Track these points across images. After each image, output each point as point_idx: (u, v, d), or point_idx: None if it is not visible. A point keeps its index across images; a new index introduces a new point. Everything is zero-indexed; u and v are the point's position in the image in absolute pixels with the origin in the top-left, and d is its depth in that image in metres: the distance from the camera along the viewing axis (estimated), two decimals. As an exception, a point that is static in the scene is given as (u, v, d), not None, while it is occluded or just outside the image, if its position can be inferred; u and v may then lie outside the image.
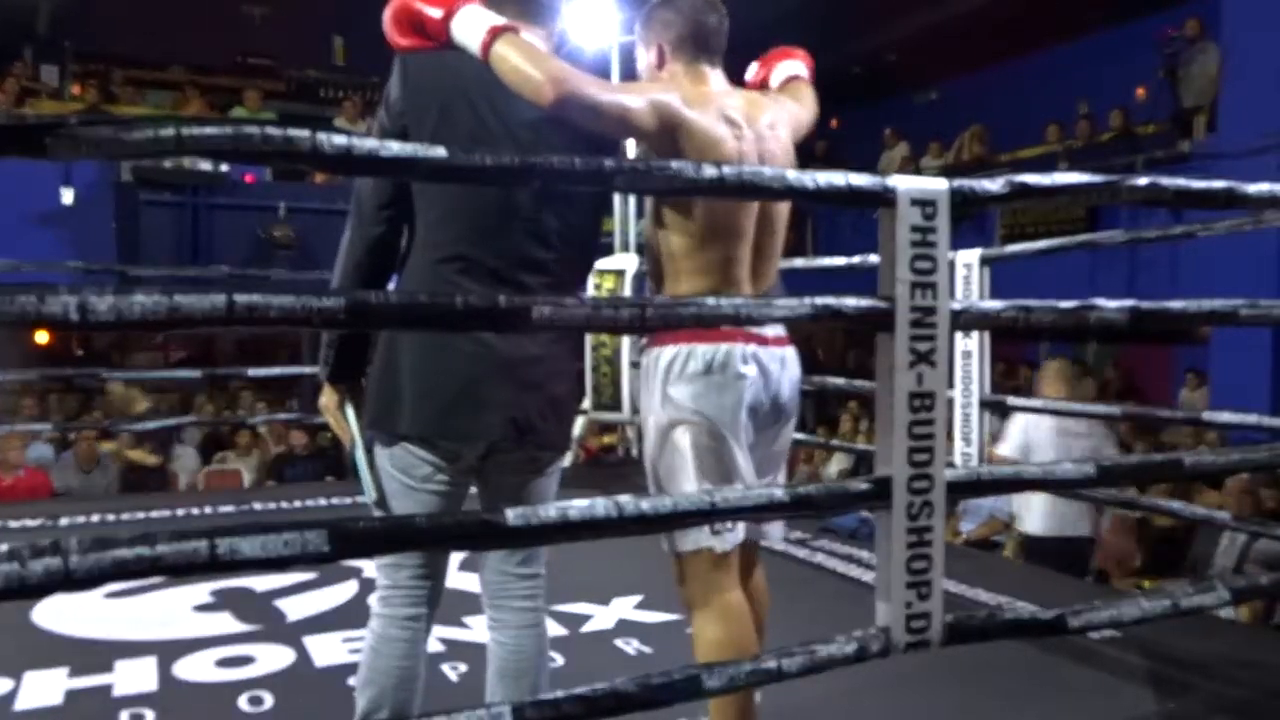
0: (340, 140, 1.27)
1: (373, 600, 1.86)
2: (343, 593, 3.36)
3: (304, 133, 1.25)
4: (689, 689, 1.54)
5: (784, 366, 1.98)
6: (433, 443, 1.74)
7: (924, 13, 9.90)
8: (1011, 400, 4.17)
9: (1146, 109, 9.41)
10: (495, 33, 1.64)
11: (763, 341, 1.92)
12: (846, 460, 6.96)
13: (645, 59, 2.03)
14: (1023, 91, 10.39)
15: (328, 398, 1.88)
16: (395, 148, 1.33)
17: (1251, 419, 3.41)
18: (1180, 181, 2.04)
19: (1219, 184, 2.04)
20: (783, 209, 2.01)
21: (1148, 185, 1.95)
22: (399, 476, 1.78)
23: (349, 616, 3.13)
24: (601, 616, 3.18)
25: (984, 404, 4.06)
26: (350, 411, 1.86)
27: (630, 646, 2.94)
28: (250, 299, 1.24)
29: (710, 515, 1.59)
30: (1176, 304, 2.06)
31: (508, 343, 1.71)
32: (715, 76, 1.99)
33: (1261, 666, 2.81)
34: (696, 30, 1.98)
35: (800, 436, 6.02)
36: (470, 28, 1.65)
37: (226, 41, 11.45)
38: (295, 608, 3.21)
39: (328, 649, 2.85)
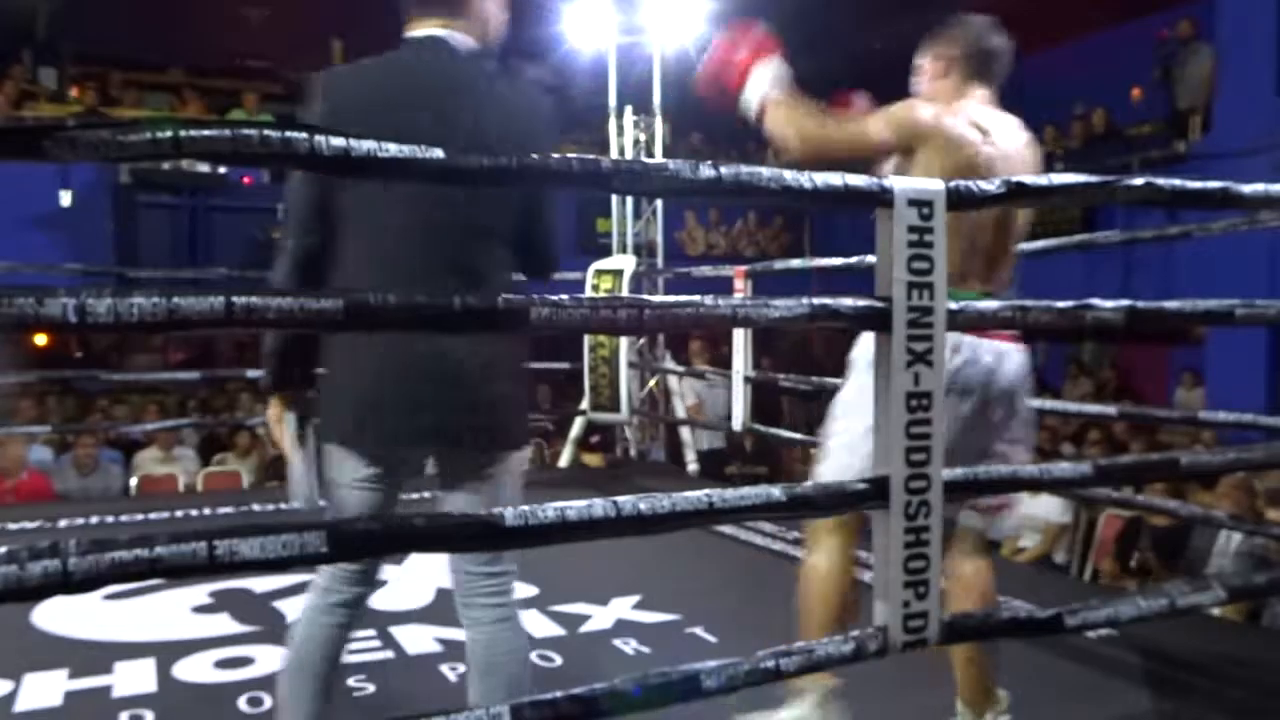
0: (338, 142, 1.27)
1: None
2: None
3: (302, 134, 1.25)
4: (687, 689, 1.54)
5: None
6: (362, 446, 1.76)
7: (922, 14, 9.92)
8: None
9: (1142, 110, 9.43)
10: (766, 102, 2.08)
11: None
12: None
13: (924, 68, 2.25)
14: (1019, 92, 10.37)
15: (272, 407, 1.91)
16: (393, 149, 1.33)
17: (1247, 418, 3.42)
18: (1176, 182, 2.04)
19: (1215, 184, 2.04)
20: (1018, 222, 2.16)
21: (1144, 185, 1.95)
22: (335, 477, 1.80)
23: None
24: (600, 617, 3.18)
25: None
26: (291, 420, 1.88)
27: (629, 646, 2.94)
28: (249, 300, 1.25)
29: (708, 515, 1.59)
30: (1172, 304, 2.06)
31: (435, 344, 1.70)
32: (982, 96, 2.17)
33: (1257, 665, 2.82)
34: (977, 54, 2.19)
35: (797, 436, 6.04)
36: (754, 90, 2.11)
37: (225, 44, 11.45)
38: (294, 609, 3.19)
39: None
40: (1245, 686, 2.66)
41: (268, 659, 2.80)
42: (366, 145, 1.30)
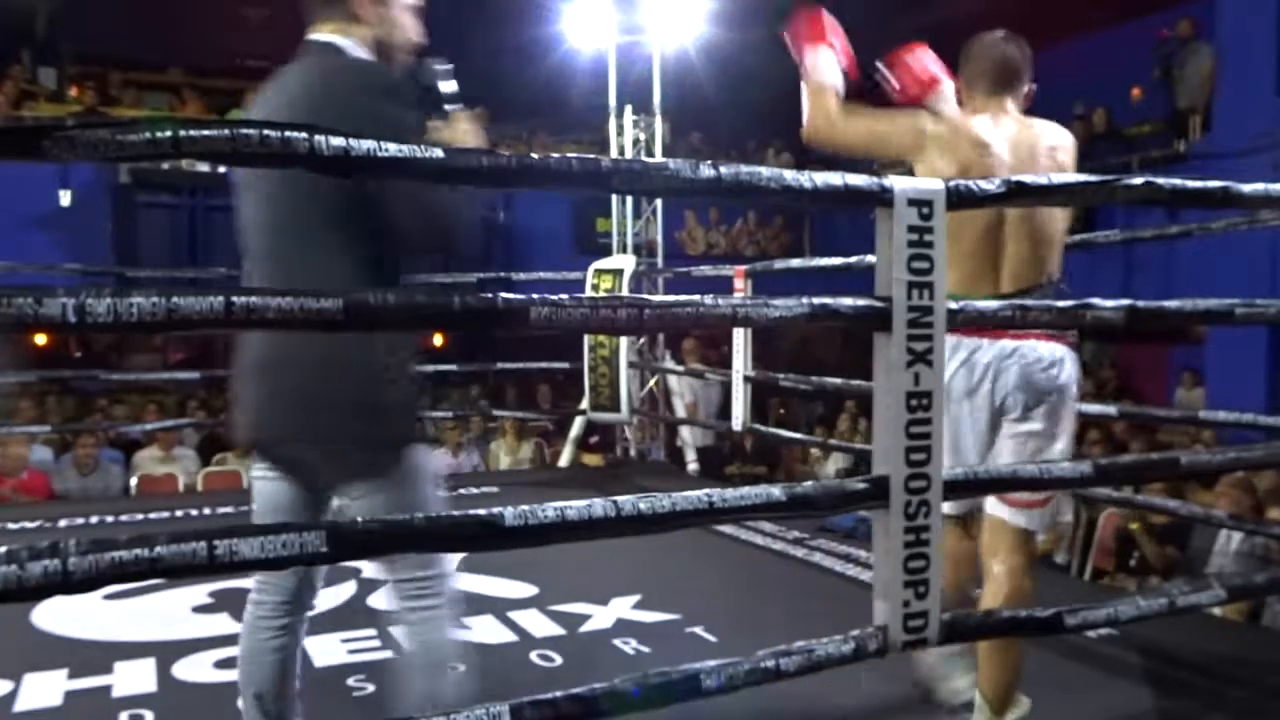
0: (338, 141, 1.27)
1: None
2: (341, 593, 3.37)
3: (301, 134, 1.25)
4: (687, 689, 1.54)
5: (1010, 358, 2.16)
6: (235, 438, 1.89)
7: (921, 14, 9.91)
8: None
9: (1142, 109, 9.42)
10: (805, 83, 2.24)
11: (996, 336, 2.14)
12: (845, 460, 6.96)
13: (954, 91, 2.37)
14: (1021, 91, 10.40)
15: None
16: (392, 149, 1.33)
17: (1247, 418, 3.43)
18: (1176, 181, 2.04)
19: (1214, 184, 2.05)
20: (1045, 223, 2.19)
21: (1144, 185, 1.96)
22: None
23: (348, 617, 3.13)
24: (600, 616, 3.18)
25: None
26: None
27: (629, 646, 2.94)
28: (249, 300, 1.25)
29: (708, 515, 1.59)
30: (1172, 303, 2.06)
31: (250, 345, 1.75)
32: (1003, 106, 2.27)
33: (1257, 665, 2.82)
34: (990, 69, 2.29)
35: (797, 436, 6.04)
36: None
37: (225, 44, 11.43)
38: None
39: (327, 649, 2.85)
40: (1245, 686, 2.66)
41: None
42: (366, 145, 1.30)
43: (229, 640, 2.93)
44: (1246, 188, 2.05)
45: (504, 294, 1.42)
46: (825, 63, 2.26)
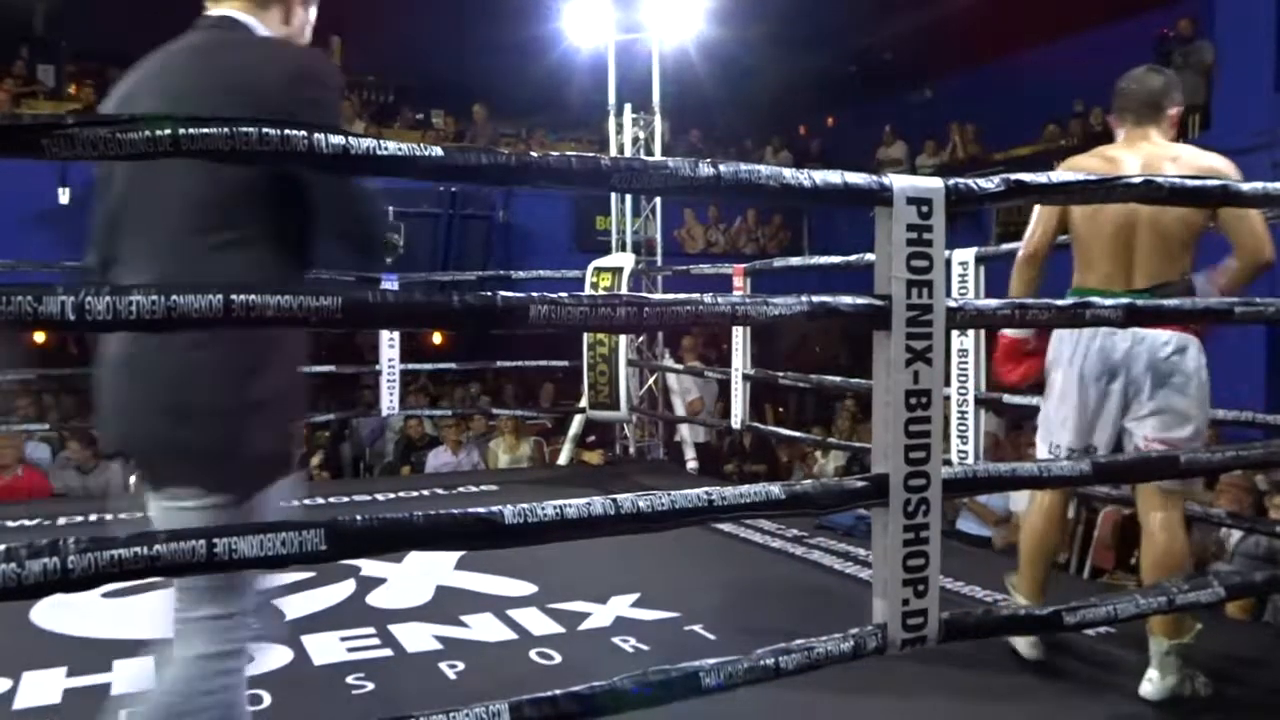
0: (337, 139, 1.27)
1: (188, 633, 1.59)
2: (340, 591, 3.37)
3: (300, 131, 1.25)
4: (687, 687, 1.54)
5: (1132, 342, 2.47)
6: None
7: (920, 11, 9.91)
8: (1008, 398, 4.17)
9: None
10: None
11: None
12: (844, 458, 6.97)
13: None
14: (1020, 89, 10.39)
15: None
16: (392, 147, 1.33)
17: (1246, 416, 3.42)
18: (1175, 179, 2.04)
19: (1213, 182, 2.05)
20: (1173, 225, 2.45)
21: (1143, 183, 1.96)
22: None
23: (346, 615, 3.13)
24: (599, 614, 3.18)
25: (980, 402, 4.07)
26: None
27: (628, 644, 2.94)
28: (248, 298, 1.25)
29: (707, 513, 1.59)
30: (1171, 301, 2.06)
31: (107, 347, 1.53)
32: (1139, 134, 2.60)
33: (1257, 663, 2.82)
34: (1124, 104, 2.64)
35: (797, 434, 6.04)
36: None
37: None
38: (293, 607, 3.21)
39: (325, 648, 2.85)
40: (1247, 684, 2.66)
41: (266, 657, 2.80)
42: (365, 144, 1.30)
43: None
44: (1245, 186, 2.06)
45: (503, 292, 1.42)
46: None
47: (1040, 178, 1.86)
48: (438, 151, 1.36)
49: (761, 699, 2.00)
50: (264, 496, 1.52)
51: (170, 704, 1.54)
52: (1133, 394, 2.48)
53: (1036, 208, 2.66)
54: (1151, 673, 2.46)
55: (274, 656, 2.81)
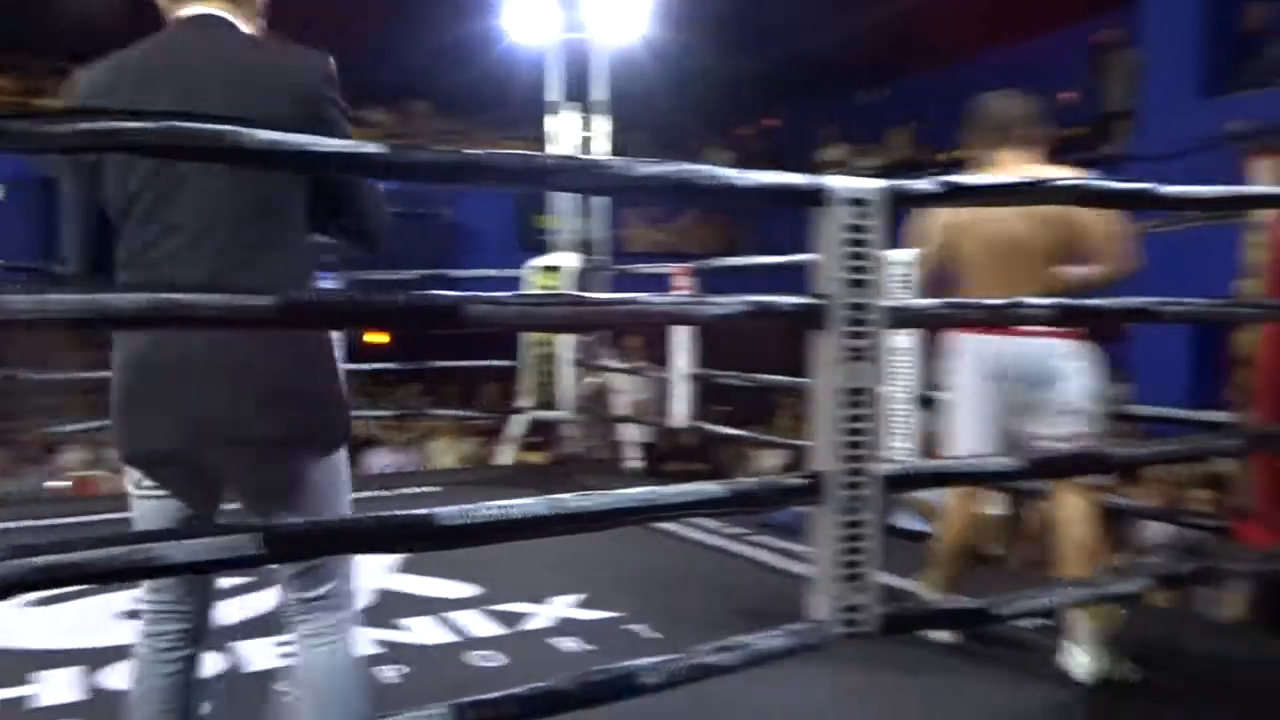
0: (265, 136, 1.24)
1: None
2: (275, 596, 3.30)
3: (228, 128, 1.22)
4: (627, 686, 1.54)
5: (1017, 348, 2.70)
6: (126, 453, 1.65)
7: (864, 15, 10.03)
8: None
9: (1074, 113, 9.66)
10: None
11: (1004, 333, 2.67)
12: (785, 456, 7.03)
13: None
14: (960, 94, 10.58)
15: None
16: (327, 143, 1.31)
17: (1171, 413, 3.53)
18: (1103, 183, 2.10)
19: (1138, 185, 2.10)
20: (1037, 241, 2.71)
21: (1073, 186, 2.01)
22: (128, 484, 1.70)
23: (279, 622, 3.07)
24: (541, 615, 3.17)
25: (918, 400, 4.14)
26: None
27: (570, 645, 2.93)
28: (178, 298, 1.22)
29: (649, 512, 1.59)
30: (1099, 301, 2.12)
31: (170, 345, 1.55)
32: (1013, 157, 2.82)
33: (1183, 650, 2.91)
34: (981, 128, 2.89)
35: (739, 433, 6.08)
36: None
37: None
38: (226, 613, 3.14)
39: (260, 654, 2.80)
40: (1173, 671, 2.74)
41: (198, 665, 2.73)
42: (297, 141, 1.27)
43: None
44: (1168, 190, 2.11)
45: (441, 291, 1.41)
46: None
47: (976, 179, 1.90)
48: (376, 148, 1.34)
49: (706, 694, 2.01)
50: None
51: (333, 664, 1.76)
52: (1025, 396, 2.71)
53: (924, 226, 2.89)
54: (1081, 657, 2.57)
55: (206, 664, 2.75)
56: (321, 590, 1.72)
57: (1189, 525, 3.91)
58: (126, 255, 1.58)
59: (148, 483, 1.67)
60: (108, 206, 1.59)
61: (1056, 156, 3.16)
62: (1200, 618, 3.81)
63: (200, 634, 1.78)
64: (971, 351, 2.77)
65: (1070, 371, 2.70)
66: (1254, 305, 2.43)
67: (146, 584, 1.69)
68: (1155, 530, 4.31)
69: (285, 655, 1.79)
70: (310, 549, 1.44)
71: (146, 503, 1.68)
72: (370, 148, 1.33)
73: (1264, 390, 2.47)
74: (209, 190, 1.55)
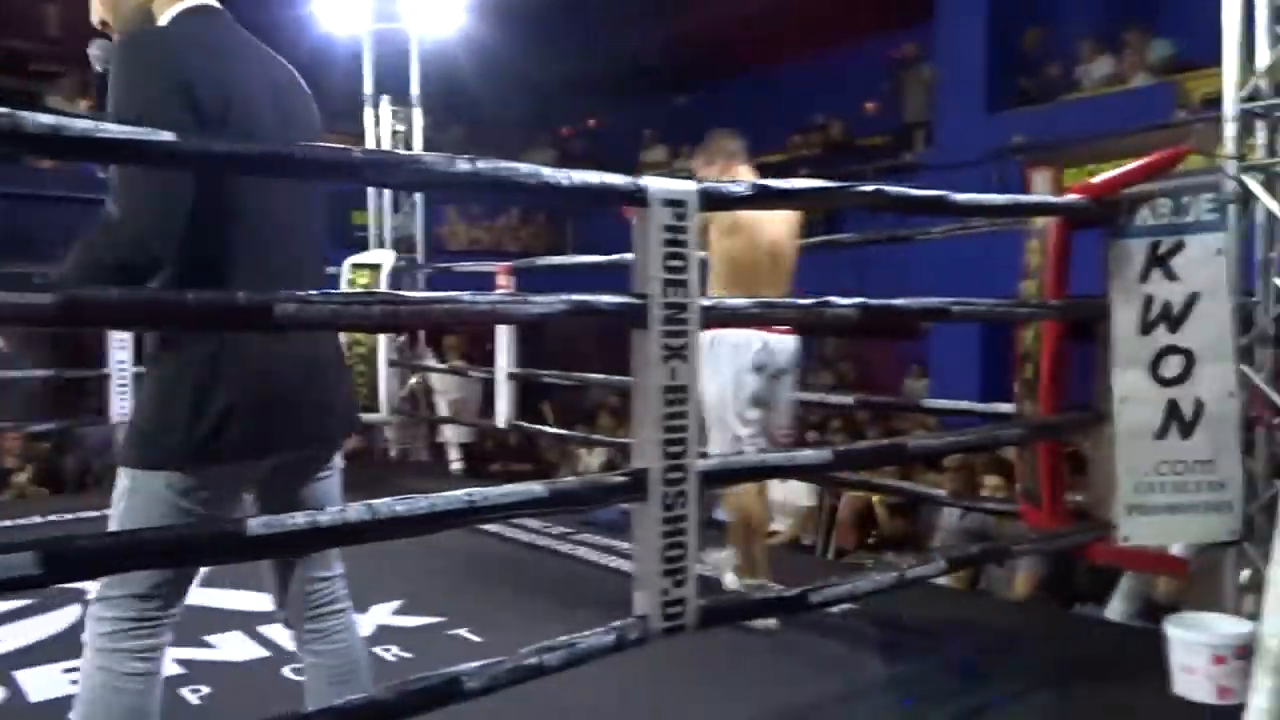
0: (46, 120, 1.14)
1: (93, 635, 1.63)
2: (63, 619, 3.05)
3: (42, 117, 1.12)
4: (448, 692, 1.51)
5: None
6: (223, 460, 1.50)
7: (681, 18, 10.26)
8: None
9: (875, 123, 10.23)
10: None
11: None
12: (608, 454, 7.10)
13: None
14: (771, 100, 10.98)
15: None
16: (116, 130, 1.22)
17: (963, 405, 3.79)
18: (900, 189, 2.23)
19: (932, 192, 2.25)
20: (790, 246, 3.23)
21: (873, 191, 2.13)
22: (144, 505, 1.50)
23: (70, 645, 2.82)
24: (359, 624, 3.06)
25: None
26: None
27: (390, 653, 2.86)
28: (92, 294, 1.11)
29: (470, 515, 1.57)
30: (899, 301, 2.25)
31: (300, 342, 1.58)
32: (745, 170, 3.16)
33: (975, 626, 3.14)
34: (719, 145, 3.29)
35: (563, 432, 6.09)
36: None
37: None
38: (6, 638, 2.88)
39: (45, 682, 2.57)
40: (967, 647, 2.95)
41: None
42: (82, 125, 1.18)
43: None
44: (958, 196, 2.27)
45: (245, 290, 1.34)
46: None
47: (784, 183, 1.98)
48: (170, 137, 1.25)
49: (537, 695, 2.00)
50: None
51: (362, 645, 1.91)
52: (779, 390, 3.16)
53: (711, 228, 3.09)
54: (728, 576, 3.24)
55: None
56: (339, 568, 1.83)
57: (982, 510, 4.21)
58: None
59: (201, 490, 1.49)
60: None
61: (862, 161, 3.49)
62: (992, 595, 4.11)
63: (170, 620, 1.62)
64: (732, 345, 3.02)
65: (792, 367, 3.20)
66: (1032, 305, 2.63)
67: None
68: (949, 515, 4.62)
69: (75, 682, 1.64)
70: (97, 568, 1.33)
71: (163, 512, 1.48)
72: (164, 136, 1.24)
73: (1043, 384, 2.68)
74: (296, 203, 1.65)
